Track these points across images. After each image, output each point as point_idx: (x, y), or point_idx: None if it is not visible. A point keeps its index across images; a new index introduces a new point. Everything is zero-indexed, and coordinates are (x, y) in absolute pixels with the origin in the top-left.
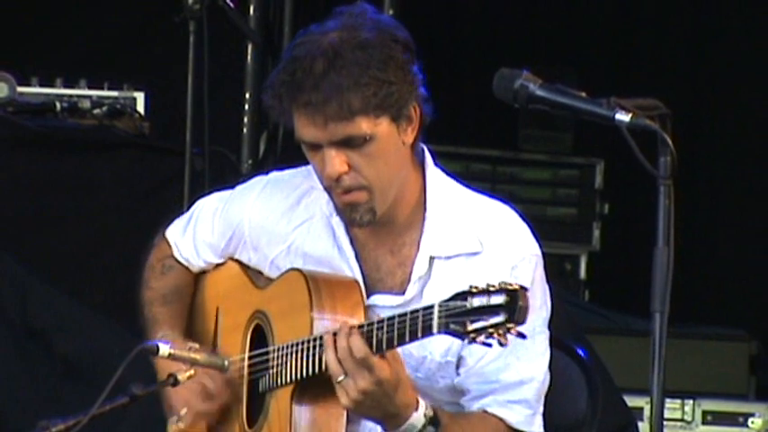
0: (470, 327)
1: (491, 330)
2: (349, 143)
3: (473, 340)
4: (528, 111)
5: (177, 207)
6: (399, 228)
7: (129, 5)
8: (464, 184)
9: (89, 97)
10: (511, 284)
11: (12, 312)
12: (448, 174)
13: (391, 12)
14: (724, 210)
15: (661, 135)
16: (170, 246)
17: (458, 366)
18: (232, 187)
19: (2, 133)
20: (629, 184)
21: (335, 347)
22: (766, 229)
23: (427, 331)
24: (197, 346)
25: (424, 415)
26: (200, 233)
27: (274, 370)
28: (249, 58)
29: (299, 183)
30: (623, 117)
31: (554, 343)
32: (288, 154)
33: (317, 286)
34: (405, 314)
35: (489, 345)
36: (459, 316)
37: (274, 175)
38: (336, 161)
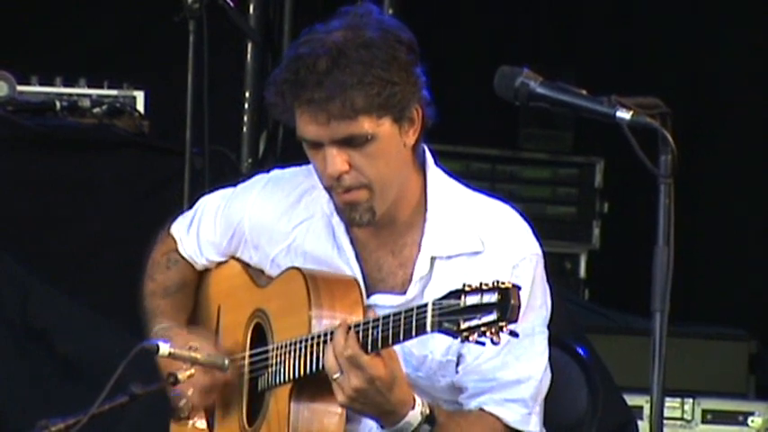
0: (463, 325)
1: (484, 329)
2: (351, 142)
3: (466, 339)
4: (528, 109)
5: (177, 206)
6: (400, 228)
7: (129, 4)
8: (465, 183)
9: (89, 96)
10: (503, 283)
11: (12, 312)
12: (449, 174)
13: (391, 11)
14: (724, 208)
15: (662, 133)
16: (175, 241)
17: (457, 364)
18: (235, 185)
19: (1, 132)
20: (629, 183)
21: (332, 345)
22: (767, 227)
23: (421, 330)
24: (197, 345)
25: (421, 413)
26: (204, 232)
27: (273, 369)
28: (249, 56)
29: (300, 181)
30: (624, 115)
31: (554, 342)
32: (288, 153)
33: (316, 285)
34: (399, 313)
35: (482, 343)
36: (453, 314)
37: (275, 173)
38: (338, 160)
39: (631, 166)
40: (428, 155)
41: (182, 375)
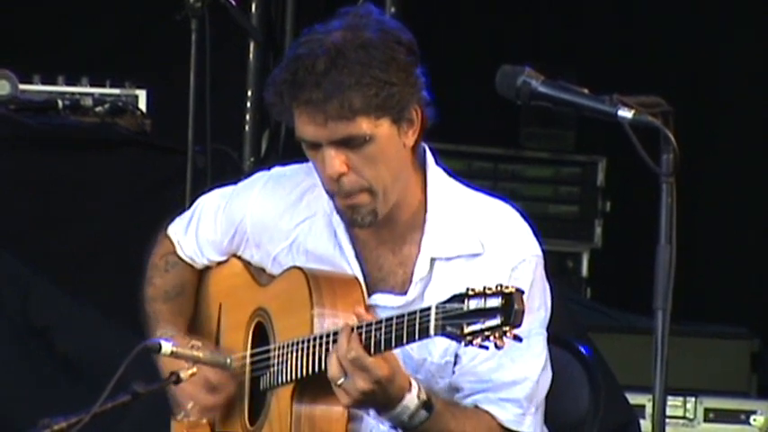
0: (467, 329)
1: (488, 333)
2: (349, 143)
3: (470, 342)
4: (530, 108)
5: (179, 205)
6: (400, 228)
7: (132, 3)
8: (466, 183)
9: (91, 95)
10: (507, 287)
11: (12, 311)
12: (450, 173)
13: (393, 9)
14: (726, 207)
15: (664, 132)
16: (173, 243)
17: (453, 364)
18: (234, 184)
19: (3, 131)
20: (631, 182)
21: (335, 349)
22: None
23: (424, 333)
24: (199, 344)
25: (417, 396)
26: (203, 231)
27: (275, 368)
28: (251, 55)
29: (301, 179)
30: (626, 114)
31: (556, 341)
32: (290, 152)
33: (318, 284)
34: (402, 316)
35: (486, 347)
36: (456, 318)
37: (276, 170)
38: (336, 161)
39: (633, 165)
40: (428, 154)
41: (184, 374)
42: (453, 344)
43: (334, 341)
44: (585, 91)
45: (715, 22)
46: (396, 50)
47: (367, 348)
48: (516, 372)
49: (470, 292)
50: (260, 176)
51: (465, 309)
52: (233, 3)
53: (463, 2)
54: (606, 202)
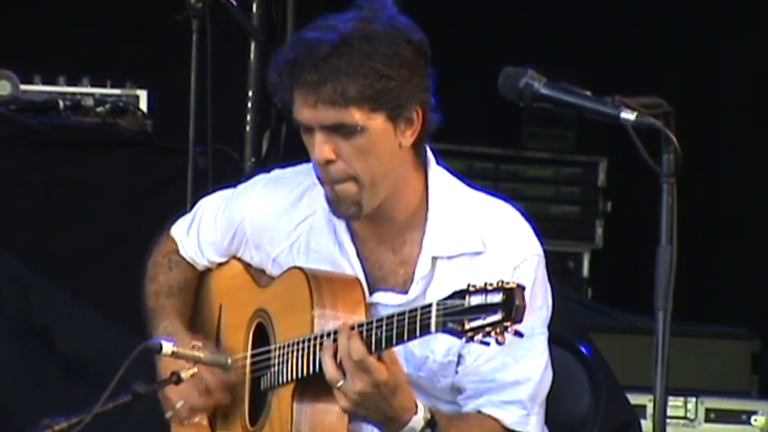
0: (468, 325)
1: (489, 329)
2: (339, 130)
3: (471, 339)
4: (532, 109)
5: (180, 205)
6: (400, 227)
7: (132, 3)
8: (467, 182)
9: (92, 95)
10: (508, 283)
11: (13, 310)
12: (451, 173)
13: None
14: (726, 207)
15: (665, 133)
16: (176, 243)
17: (457, 364)
18: (235, 186)
19: (4, 131)
20: (632, 182)
21: (333, 349)
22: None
23: (425, 330)
24: (200, 344)
25: (424, 418)
26: (204, 233)
27: (276, 368)
28: (252, 56)
29: (301, 180)
30: (628, 115)
31: (557, 341)
32: (291, 152)
33: (318, 284)
34: (403, 313)
35: (487, 344)
36: (457, 315)
37: (276, 172)
38: (325, 148)
39: (634, 166)
40: (429, 154)
41: (185, 374)
42: (456, 343)
43: (335, 341)
44: (588, 93)
45: (715, 22)
46: (402, 47)
47: (368, 346)
48: (519, 371)
49: (471, 289)
50: (260, 178)
51: (466, 305)
52: (234, 3)
53: (463, 2)
54: (607, 202)
